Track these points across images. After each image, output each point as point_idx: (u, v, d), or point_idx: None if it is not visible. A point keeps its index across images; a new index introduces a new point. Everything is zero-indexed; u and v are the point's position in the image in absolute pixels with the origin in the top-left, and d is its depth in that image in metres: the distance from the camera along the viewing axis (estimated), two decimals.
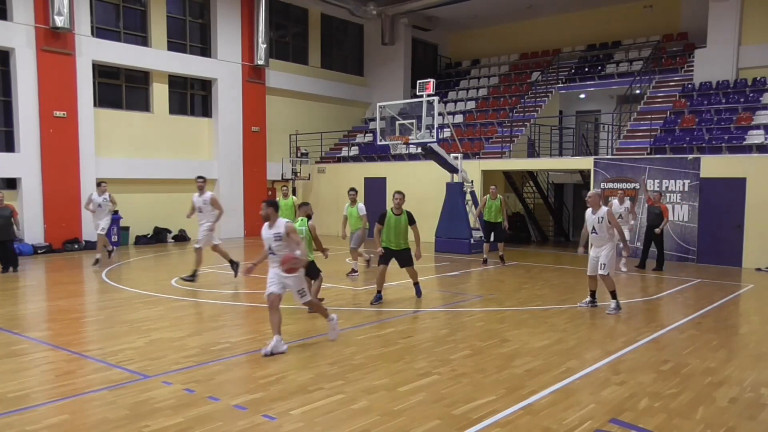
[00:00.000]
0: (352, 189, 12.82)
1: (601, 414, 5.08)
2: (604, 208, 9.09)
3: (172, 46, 19.64)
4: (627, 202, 13.54)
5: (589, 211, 9.17)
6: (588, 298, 9.60)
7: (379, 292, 9.77)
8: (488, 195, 14.45)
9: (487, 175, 18.97)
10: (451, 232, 16.87)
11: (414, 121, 15.87)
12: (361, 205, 12.67)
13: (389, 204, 10.25)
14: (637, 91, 19.85)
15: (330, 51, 25.18)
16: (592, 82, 21.76)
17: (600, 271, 9.13)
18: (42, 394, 5.49)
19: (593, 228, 9.10)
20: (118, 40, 18.43)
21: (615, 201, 13.45)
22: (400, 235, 9.73)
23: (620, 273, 12.88)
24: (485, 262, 14.50)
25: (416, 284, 10.21)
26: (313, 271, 8.85)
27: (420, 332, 7.99)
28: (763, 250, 14.22)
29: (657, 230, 13.47)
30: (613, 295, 9.21)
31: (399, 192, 9.84)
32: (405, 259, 9.88)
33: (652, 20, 22.23)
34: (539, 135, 20.89)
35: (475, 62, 26.92)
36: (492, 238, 14.49)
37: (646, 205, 14.65)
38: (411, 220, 9.73)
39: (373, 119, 20.56)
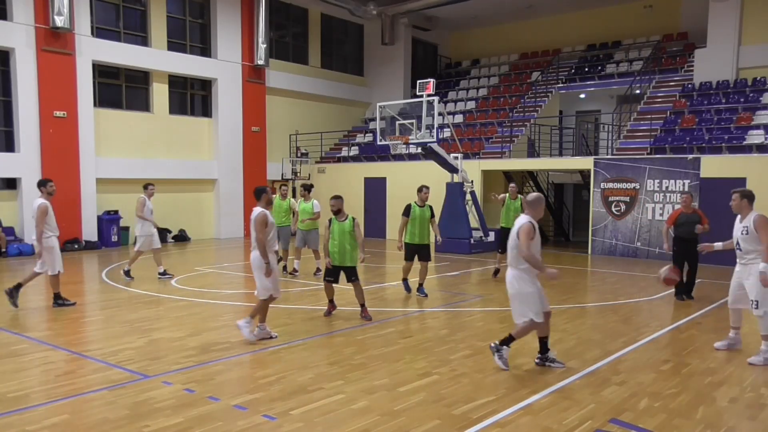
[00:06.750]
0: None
1: (601, 414, 5.08)
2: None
3: (172, 46, 19.64)
4: (755, 215, 6.62)
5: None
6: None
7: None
8: (507, 194, 12.25)
9: (487, 175, 18.97)
10: (451, 232, 16.85)
11: (414, 121, 15.87)
12: (315, 201, 12.31)
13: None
14: (637, 91, 19.85)
15: (330, 51, 25.18)
16: (592, 82, 21.77)
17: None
18: (42, 394, 5.49)
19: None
20: (118, 40, 18.42)
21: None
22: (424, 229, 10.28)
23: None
24: (497, 273, 12.40)
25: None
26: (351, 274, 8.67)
27: (420, 332, 7.98)
28: None
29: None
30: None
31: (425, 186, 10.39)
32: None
33: (652, 20, 22.24)
34: (539, 135, 20.89)
35: (475, 62, 26.93)
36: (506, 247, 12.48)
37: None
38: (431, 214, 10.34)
39: (373, 119, 20.55)
